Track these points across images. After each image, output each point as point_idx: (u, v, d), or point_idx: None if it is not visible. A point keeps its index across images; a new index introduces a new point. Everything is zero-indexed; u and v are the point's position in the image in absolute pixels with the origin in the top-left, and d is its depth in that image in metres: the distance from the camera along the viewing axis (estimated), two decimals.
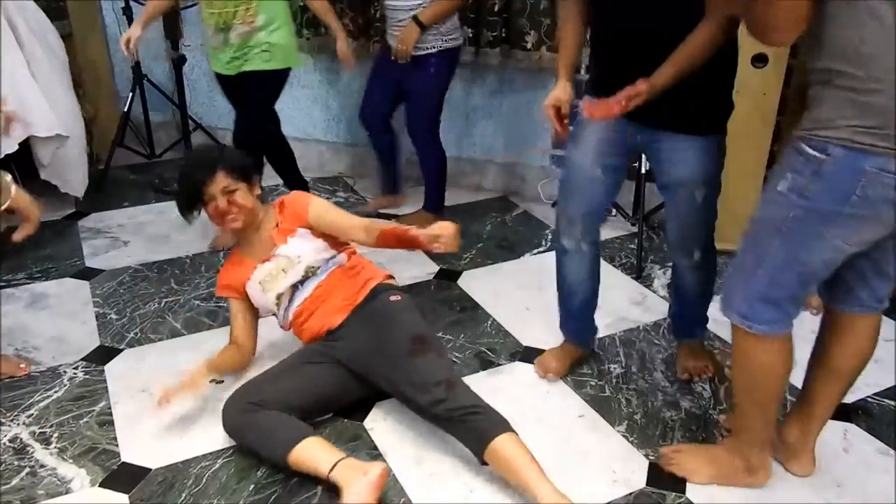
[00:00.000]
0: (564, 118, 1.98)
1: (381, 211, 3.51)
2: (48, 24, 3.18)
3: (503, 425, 1.84)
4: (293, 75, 3.07)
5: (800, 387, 1.94)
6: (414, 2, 2.96)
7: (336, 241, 2.23)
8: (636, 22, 1.88)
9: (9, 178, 1.78)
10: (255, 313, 2.28)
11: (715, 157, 2.03)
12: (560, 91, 1.99)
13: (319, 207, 2.21)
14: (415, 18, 2.94)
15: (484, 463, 1.86)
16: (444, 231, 1.95)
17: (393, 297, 2.16)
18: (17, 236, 1.88)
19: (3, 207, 1.76)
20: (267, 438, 1.92)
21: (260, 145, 3.12)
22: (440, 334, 2.53)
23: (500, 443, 1.80)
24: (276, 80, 3.01)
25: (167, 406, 2.01)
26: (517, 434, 1.84)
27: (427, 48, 3.02)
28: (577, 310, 2.33)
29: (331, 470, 1.82)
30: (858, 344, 1.78)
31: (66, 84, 3.19)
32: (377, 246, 2.15)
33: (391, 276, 2.31)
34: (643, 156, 3.12)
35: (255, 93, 2.98)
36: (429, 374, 1.94)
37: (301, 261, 2.15)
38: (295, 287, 2.17)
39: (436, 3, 2.93)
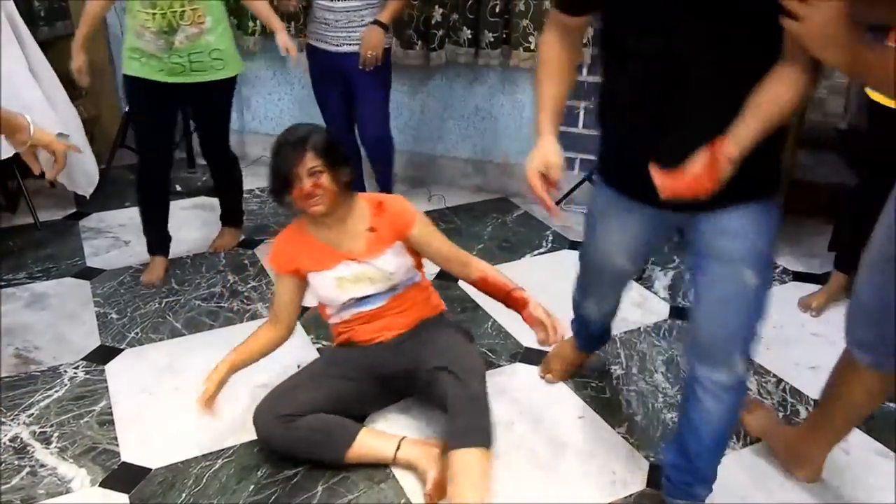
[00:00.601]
0: (553, 186, 1.55)
1: None
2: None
3: (481, 439, 1.85)
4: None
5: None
6: (354, 3, 2.86)
7: (419, 261, 2.14)
8: (688, 58, 1.38)
9: (29, 118, 1.76)
10: (303, 293, 2.12)
11: (770, 228, 1.55)
12: (548, 152, 1.55)
13: (424, 229, 2.06)
14: (377, 22, 2.87)
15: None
16: (554, 327, 1.88)
17: (448, 327, 2.17)
18: (50, 175, 1.84)
19: (26, 146, 1.75)
20: (320, 443, 1.93)
21: (229, 162, 3.05)
22: None
23: (464, 455, 1.82)
24: (232, 89, 2.84)
25: (211, 411, 1.93)
26: (489, 453, 1.85)
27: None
28: (595, 330, 2.21)
29: (396, 451, 1.95)
30: None
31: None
32: (472, 285, 2.11)
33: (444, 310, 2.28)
34: None
35: (218, 106, 2.86)
36: (473, 361, 2.01)
37: (393, 278, 2.05)
38: (373, 295, 2.09)
39: (392, 2, 2.90)
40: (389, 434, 2.01)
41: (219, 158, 3.04)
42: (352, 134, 3.17)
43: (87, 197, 3.41)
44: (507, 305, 2.05)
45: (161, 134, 2.81)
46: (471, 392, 1.89)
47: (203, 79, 2.67)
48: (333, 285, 2.04)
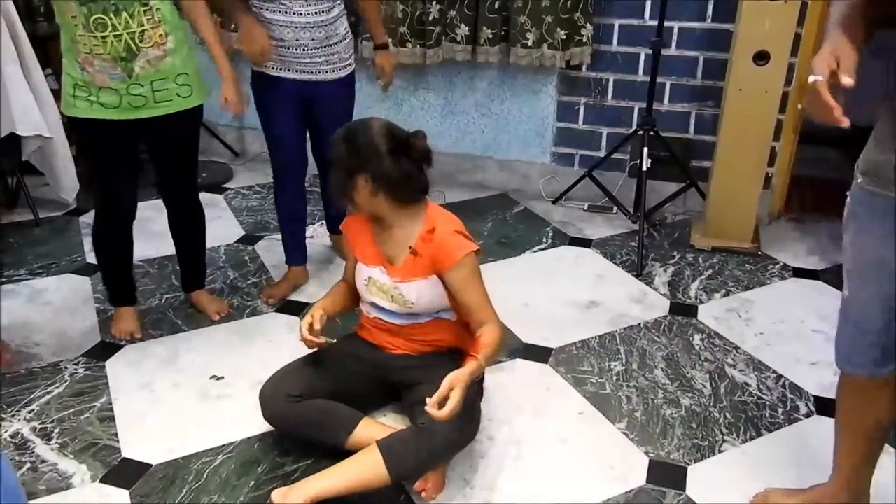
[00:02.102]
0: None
1: None
2: None
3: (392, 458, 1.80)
4: None
5: None
6: (320, 17, 2.43)
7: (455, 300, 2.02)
8: None
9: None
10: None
11: None
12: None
13: (459, 275, 1.90)
14: (384, 45, 2.72)
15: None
16: (451, 403, 1.69)
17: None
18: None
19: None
20: (324, 427, 1.95)
21: (197, 210, 2.57)
22: None
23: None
24: (200, 120, 2.43)
25: (322, 340, 1.97)
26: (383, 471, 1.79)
27: (350, 65, 2.63)
28: None
29: None
30: None
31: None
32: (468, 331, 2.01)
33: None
34: (645, 152, 3.13)
35: (185, 141, 2.41)
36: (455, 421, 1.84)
37: (412, 308, 1.98)
38: (393, 311, 2.03)
39: (375, 18, 2.71)
40: (388, 426, 2.01)
41: (184, 206, 2.55)
42: (303, 148, 2.71)
43: (71, 201, 3.32)
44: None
45: (122, 181, 2.35)
46: (428, 436, 1.82)
47: (168, 110, 2.25)
48: (363, 281, 2.03)
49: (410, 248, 1.94)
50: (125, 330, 2.53)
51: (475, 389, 2.05)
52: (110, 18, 2.07)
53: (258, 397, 2.01)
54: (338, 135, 1.91)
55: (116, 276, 2.55)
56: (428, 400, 1.67)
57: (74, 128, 2.29)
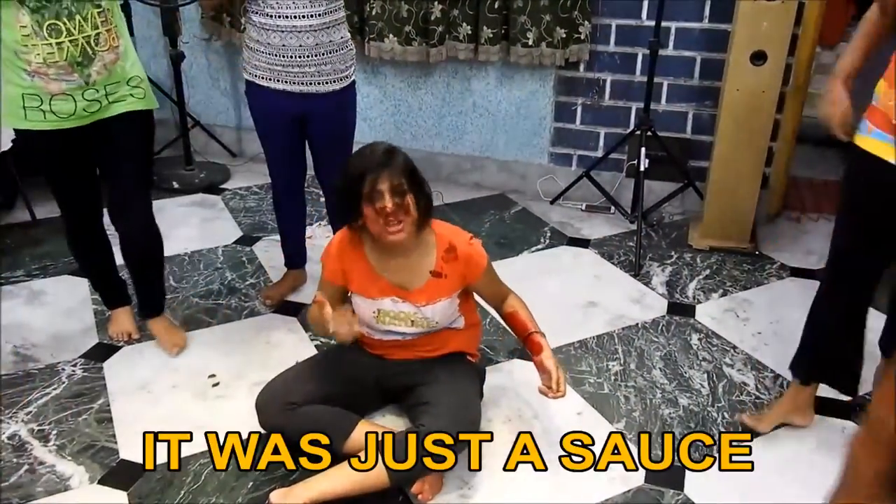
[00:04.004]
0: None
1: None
2: None
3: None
4: None
5: None
6: (308, 21, 2.26)
7: (467, 306, 2.06)
8: None
9: None
10: (345, 300, 2.03)
11: None
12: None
13: (487, 277, 1.98)
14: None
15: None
16: (557, 382, 1.81)
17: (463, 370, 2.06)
18: None
19: None
20: (321, 433, 1.92)
21: (151, 230, 2.37)
22: None
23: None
24: (153, 128, 2.30)
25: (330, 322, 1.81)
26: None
27: (348, 78, 2.43)
28: None
29: None
30: None
31: None
32: (502, 318, 2.05)
33: (476, 347, 2.18)
34: (642, 152, 3.13)
35: (139, 145, 2.24)
36: (460, 412, 1.90)
37: (435, 326, 1.98)
38: (408, 332, 2.02)
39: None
40: (386, 427, 2.01)
41: (136, 223, 2.33)
42: (300, 160, 2.58)
43: None
44: (524, 345, 2.01)
45: (80, 186, 2.25)
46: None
47: (123, 109, 2.14)
48: (371, 314, 1.97)
49: (434, 271, 1.92)
50: (122, 331, 2.51)
51: (475, 391, 2.06)
52: (64, 23, 1.97)
53: (255, 406, 1.99)
54: (379, 149, 1.81)
55: (103, 279, 2.52)
56: (540, 388, 1.86)
57: (23, 141, 2.15)
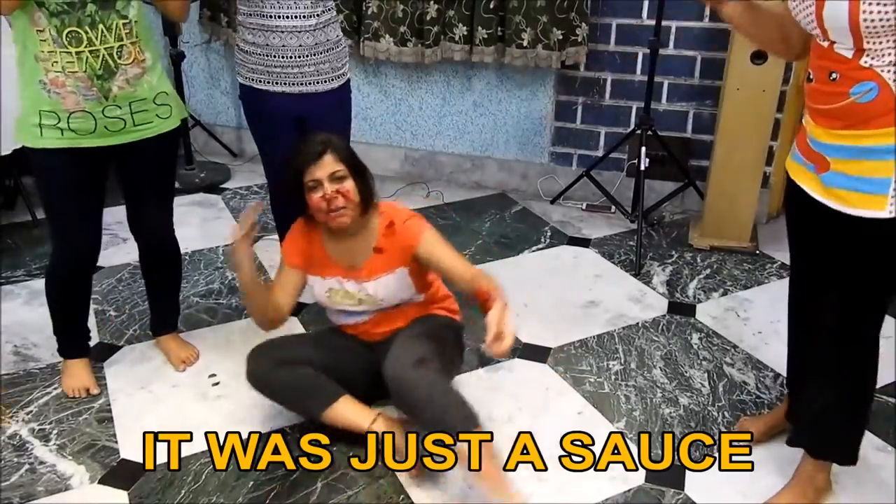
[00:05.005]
0: None
1: None
2: None
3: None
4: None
5: None
6: (305, 21, 2.26)
7: (423, 282, 2.09)
8: None
9: None
10: (302, 287, 2.09)
11: None
12: None
13: (431, 243, 1.97)
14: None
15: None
16: (507, 338, 1.68)
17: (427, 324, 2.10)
18: None
19: None
20: (303, 394, 1.98)
21: (172, 248, 2.31)
22: None
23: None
24: (178, 143, 2.23)
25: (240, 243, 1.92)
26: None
27: (343, 75, 2.43)
28: None
29: (372, 423, 1.96)
30: None
31: None
32: (475, 300, 1.95)
33: (456, 312, 2.21)
34: (643, 151, 3.13)
35: (163, 167, 2.16)
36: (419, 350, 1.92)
37: (382, 304, 2.04)
38: (359, 311, 2.09)
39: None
40: (369, 408, 2.02)
41: (158, 242, 2.27)
42: None
43: None
44: (480, 306, 1.89)
45: (88, 217, 2.08)
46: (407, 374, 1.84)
47: (148, 134, 2.03)
48: (324, 294, 2.07)
49: (375, 247, 1.99)
50: (78, 387, 2.24)
51: (439, 324, 2.10)
52: (86, 32, 1.85)
53: (245, 358, 2.02)
54: (314, 140, 1.92)
55: (71, 325, 2.26)
56: (483, 346, 1.69)
57: (38, 159, 1.97)
